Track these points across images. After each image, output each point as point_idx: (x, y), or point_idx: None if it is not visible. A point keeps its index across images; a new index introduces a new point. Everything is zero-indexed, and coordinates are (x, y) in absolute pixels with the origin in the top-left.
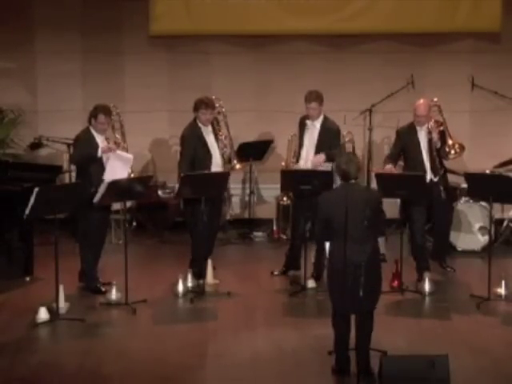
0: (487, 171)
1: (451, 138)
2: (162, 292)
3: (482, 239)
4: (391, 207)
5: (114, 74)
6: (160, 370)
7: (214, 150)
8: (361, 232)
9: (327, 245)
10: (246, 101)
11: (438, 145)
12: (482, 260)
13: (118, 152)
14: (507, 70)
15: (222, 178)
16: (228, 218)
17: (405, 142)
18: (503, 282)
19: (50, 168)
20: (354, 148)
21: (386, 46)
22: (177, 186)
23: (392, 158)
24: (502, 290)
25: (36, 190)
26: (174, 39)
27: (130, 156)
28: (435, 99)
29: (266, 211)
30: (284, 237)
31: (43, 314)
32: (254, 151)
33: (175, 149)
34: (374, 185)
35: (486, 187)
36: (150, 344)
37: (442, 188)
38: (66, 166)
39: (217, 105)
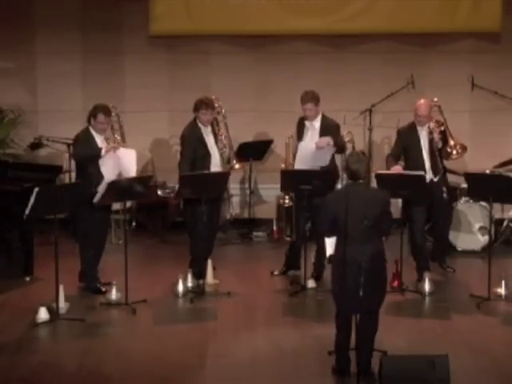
0: (487, 171)
1: (453, 138)
2: (162, 292)
3: (482, 239)
4: (392, 207)
5: (114, 74)
6: (160, 370)
7: (214, 151)
8: (367, 232)
9: (327, 244)
10: (245, 101)
11: (440, 145)
12: (482, 260)
13: (121, 149)
14: (507, 70)
15: (222, 177)
16: (228, 217)
17: (405, 141)
18: (503, 282)
19: (50, 168)
20: (353, 148)
21: (386, 46)
22: (177, 186)
23: (394, 157)
24: (502, 290)
25: (36, 189)
26: (174, 39)
27: (132, 150)
28: (435, 99)
29: (266, 211)
30: (288, 238)
31: (43, 314)
32: (253, 151)
33: (175, 149)
34: (373, 185)
35: (486, 187)
36: (150, 344)
37: (444, 188)
38: (65, 165)
39: (216, 105)
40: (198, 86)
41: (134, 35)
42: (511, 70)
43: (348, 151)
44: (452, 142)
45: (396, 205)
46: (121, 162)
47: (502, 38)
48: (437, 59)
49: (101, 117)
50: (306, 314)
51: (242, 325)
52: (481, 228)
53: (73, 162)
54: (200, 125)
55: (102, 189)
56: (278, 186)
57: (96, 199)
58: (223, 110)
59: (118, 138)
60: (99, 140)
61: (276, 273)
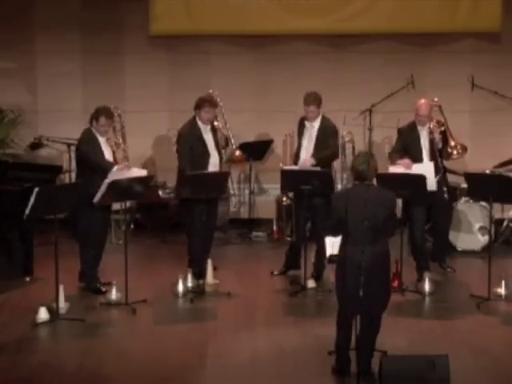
0: (487, 171)
1: (453, 138)
2: (162, 292)
3: (482, 239)
4: None
5: (114, 74)
6: (160, 370)
7: (212, 150)
8: (368, 232)
9: (328, 244)
10: (245, 101)
11: (440, 145)
12: (482, 260)
13: (134, 169)
14: (507, 70)
15: (222, 177)
16: (228, 217)
17: (406, 140)
18: (503, 282)
19: (50, 168)
20: (353, 148)
21: (386, 45)
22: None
23: (397, 154)
24: (502, 290)
25: (36, 189)
26: (174, 39)
27: (143, 171)
28: (436, 99)
29: (266, 211)
30: (288, 238)
31: (43, 314)
32: (253, 151)
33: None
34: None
35: (486, 187)
36: (150, 344)
37: (445, 189)
38: (65, 166)
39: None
40: (198, 86)
41: (134, 35)
42: (511, 70)
43: (348, 151)
44: (452, 143)
45: (396, 205)
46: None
47: (502, 38)
48: (437, 59)
49: (102, 120)
50: (306, 313)
51: (242, 325)
52: (481, 228)
53: (73, 162)
54: (200, 123)
55: (102, 189)
56: (278, 186)
57: (96, 199)
58: (221, 103)
59: (120, 139)
60: (101, 141)
61: (276, 273)
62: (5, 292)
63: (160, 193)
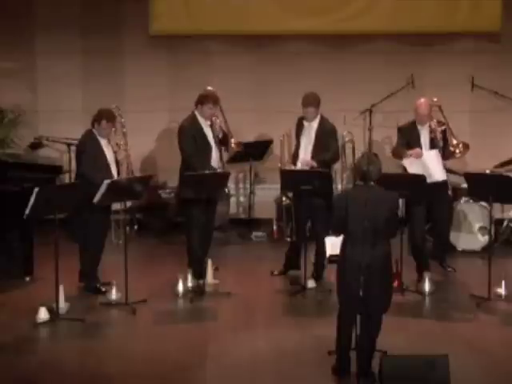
0: (487, 171)
1: (455, 137)
2: (162, 292)
3: (482, 239)
4: None
5: (114, 74)
6: (160, 370)
7: (213, 143)
8: (369, 233)
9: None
10: (245, 101)
11: (441, 144)
12: (482, 260)
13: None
14: (507, 70)
15: (223, 178)
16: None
17: (406, 139)
18: (503, 282)
19: (50, 168)
20: (353, 148)
21: (386, 46)
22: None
23: (403, 146)
24: (502, 290)
25: (36, 189)
26: (174, 39)
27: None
28: (435, 99)
29: (266, 211)
30: (288, 239)
31: (43, 314)
32: (253, 151)
33: (175, 148)
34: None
35: (486, 187)
36: (150, 344)
37: (450, 187)
38: (65, 166)
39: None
40: (198, 86)
41: (133, 35)
42: (511, 70)
43: (348, 151)
44: (454, 141)
45: (399, 206)
46: None
47: (502, 38)
48: (437, 59)
49: (104, 123)
50: (306, 313)
51: (242, 325)
52: (481, 228)
53: (73, 162)
54: (200, 118)
55: (102, 189)
56: (278, 186)
57: (96, 199)
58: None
59: (121, 138)
60: (103, 143)
61: (276, 273)
62: (5, 292)
63: (160, 193)
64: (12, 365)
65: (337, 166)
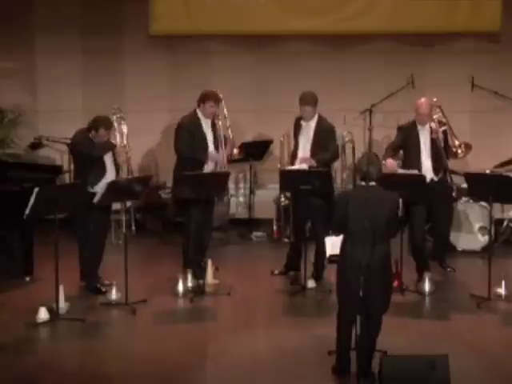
0: (487, 171)
1: (457, 138)
2: (162, 292)
3: (482, 239)
4: None
5: (114, 74)
6: (160, 370)
7: (210, 143)
8: (369, 233)
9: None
10: (246, 101)
11: (442, 145)
12: (482, 260)
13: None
14: (507, 70)
15: (222, 178)
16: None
17: (405, 138)
18: (503, 282)
19: (50, 168)
20: (353, 148)
21: (386, 46)
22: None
23: (392, 150)
24: (502, 290)
25: (36, 189)
26: (174, 39)
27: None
28: (435, 99)
29: (266, 211)
30: (286, 240)
31: (43, 314)
32: (253, 151)
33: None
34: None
35: (486, 187)
36: (150, 344)
37: (454, 187)
38: (66, 166)
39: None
40: (198, 86)
41: (133, 35)
42: (511, 70)
43: (348, 151)
44: (457, 142)
45: (399, 206)
46: None
47: (501, 38)
48: (437, 59)
49: (102, 131)
50: (306, 313)
51: (242, 325)
52: (481, 228)
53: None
54: (201, 116)
55: (102, 189)
56: (277, 185)
57: (96, 199)
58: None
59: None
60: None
61: (276, 272)
62: (5, 292)
63: (160, 193)
64: (12, 365)
65: (337, 166)
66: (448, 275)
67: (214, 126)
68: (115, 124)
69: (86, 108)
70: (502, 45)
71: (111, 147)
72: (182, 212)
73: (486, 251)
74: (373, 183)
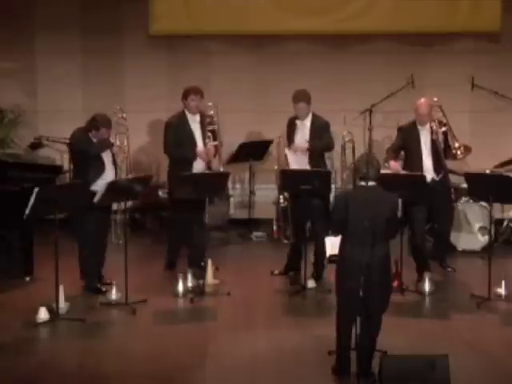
0: (487, 171)
1: (457, 140)
2: (162, 292)
3: (482, 239)
4: None
5: (114, 74)
6: (160, 370)
7: (199, 140)
8: (369, 234)
9: (327, 244)
10: (245, 101)
11: (442, 146)
12: (482, 260)
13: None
14: (507, 70)
15: (222, 178)
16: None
17: (406, 139)
18: (503, 282)
19: (50, 168)
20: (353, 148)
21: (386, 46)
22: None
23: (394, 151)
24: (502, 290)
25: (36, 189)
26: (174, 39)
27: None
28: (435, 99)
29: (266, 211)
30: (285, 241)
31: (43, 314)
32: (253, 151)
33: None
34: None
35: (486, 187)
36: (149, 344)
37: (452, 189)
38: (66, 166)
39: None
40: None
41: (133, 35)
42: (511, 70)
43: (348, 151)
44: (457, 144)
45: (398, 207)
46: None
47: (501, 38)
48: (437, 59)
49: (103, 130)
50: (306, 313)
51: (242, 325)
52: (481, 228)
53: None
54: (188, 113)
55: (102, 189)
56: (275, 186)
57: (96, 199)
58: (210, 103)
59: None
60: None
61: (276, 272)
62: (5, 292)
63: (160, 193)
64: (12, 365)
65: (337, 166)
66: (448, 275)
67: (202, 123)
68: (116, 124)
69: (86, 108)
70: (502, 45)
71: (108, 145)
72: (174, 210)
73: (486, 251)
74: (372, 183)
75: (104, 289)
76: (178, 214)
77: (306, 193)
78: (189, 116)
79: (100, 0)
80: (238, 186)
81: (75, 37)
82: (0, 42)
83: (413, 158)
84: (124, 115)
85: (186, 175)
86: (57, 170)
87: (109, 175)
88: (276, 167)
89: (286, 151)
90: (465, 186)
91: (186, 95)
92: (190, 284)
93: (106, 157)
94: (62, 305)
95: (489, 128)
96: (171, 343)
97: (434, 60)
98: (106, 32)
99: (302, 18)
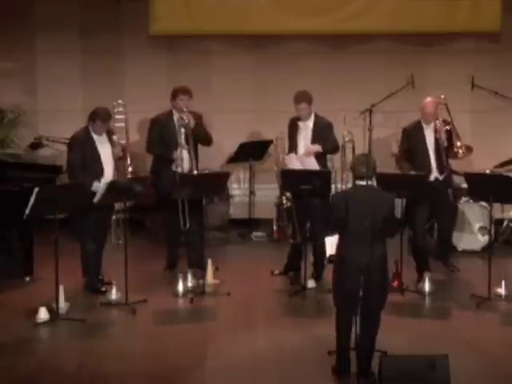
0: (487, 171)
1: (459, 139)
2: (162, 292)
3: (482, 239)
4: None
5: (114, 74)
6: (160, 370)
7: (181, 139)
8: (368, 233)
9: (327, 244)
10: (245, 101)
11: (445, 144)
12: (482, 260)
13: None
14: (507, 70)
15: (222, 178)
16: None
17: (411, 140)
18: (503, 282)
19: (50, 168)
20: (354, 148)
21: (387, 46)
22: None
23: (403, 153)
24: (502, 290)
25: (36, 189)
26: (174, 39)
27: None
28: (442, 96)
29: (266, 211)
30: (291, 241)
31: (43, 314)
32: (253, 151)
33: None
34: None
35: (486, 187)
36: (149, 344)
37: (450, 191)
38: (65, 166)
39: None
40: (198, 86)
41: (133, 35)
42: (511, 70)
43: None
44: (459, 143)
45: (395, 207)
46: None
47: (501, 38)
48: (437, 59)
49: (99, 123)
50: (306, 313)
51: (242, 325)
52: (481, 228)
53: None
54: (175, 113)
55: (101, 189)
56: (275, 186)
57: (96, 199)
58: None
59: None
60: (98, 140)
61: (276, 272)
62: (5, 292)
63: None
64: (12, 365)
65: (337, 166)
66: (448, 275)
67: (185, 125)
68: (116, 124)
69: (86, 108)
70: (502, 45)
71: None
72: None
73: (486, 251)
74: (370, 182)
75: (104, 289)
76: (165, 213)
77: (306, 193)
78: (175, 115)
79: (100, 0)
80: (237, 185)
81: (75, 37)
82: (0, 42)
83: (421, 158)
84: (125, 110)
85: (186, 175)
86: (57, 169)
87: (107, 173)
88: (275, 168)
89: (290, 156)
90: (465, 186)
91: (174, 95)
92: (189, 284)
93: (104, 154)
94: (62, 305)
95: (489, 128)
96: (171, 343)
97: (434, 60)
98: (106, 32)
99: (302, 18)
